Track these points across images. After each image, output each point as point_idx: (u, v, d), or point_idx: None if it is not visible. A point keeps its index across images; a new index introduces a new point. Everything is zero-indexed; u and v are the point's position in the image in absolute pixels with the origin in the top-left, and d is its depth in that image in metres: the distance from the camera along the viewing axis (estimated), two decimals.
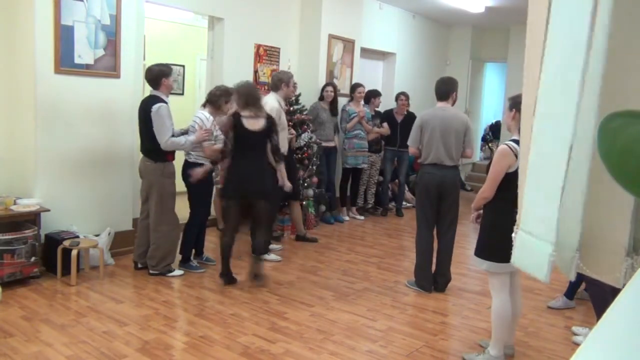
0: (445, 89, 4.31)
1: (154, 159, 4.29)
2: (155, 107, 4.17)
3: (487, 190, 3.08)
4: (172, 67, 4.64)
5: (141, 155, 4.42)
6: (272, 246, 5.27)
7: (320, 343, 3.36)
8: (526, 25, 1.21)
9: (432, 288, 4.39)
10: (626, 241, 1.03)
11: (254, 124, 4.12)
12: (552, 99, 1.04)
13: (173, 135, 4.26)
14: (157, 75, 4.27)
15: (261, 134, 4.15)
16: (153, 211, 4.35)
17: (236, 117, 4.11)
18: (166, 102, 4.28)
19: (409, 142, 4.42)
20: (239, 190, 4.12)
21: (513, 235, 1.24)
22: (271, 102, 4.89)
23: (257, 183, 4.12)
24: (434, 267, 4.44)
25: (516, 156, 2.95)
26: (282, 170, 4.47)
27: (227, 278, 4.27)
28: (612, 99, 0.95)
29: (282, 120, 4.96)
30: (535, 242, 1.10)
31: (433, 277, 4.42)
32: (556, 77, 1.03)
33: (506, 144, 3.00)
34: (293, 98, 6.01)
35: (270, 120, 4.23)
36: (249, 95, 4.15)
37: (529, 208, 1.16)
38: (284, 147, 5.06)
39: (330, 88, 6.48)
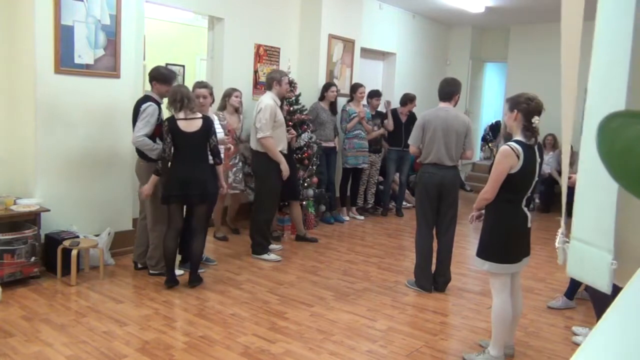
0: (449, 90, 4.31)
1: (147, 159, 4.29)
2: (144, 105, 4.21)
3: (488, 191, 3.07)
4: (171, 67, 4.64)
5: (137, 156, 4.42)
6: (272, 246, 5.27)
7: (320, 343, 3.36)
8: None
9: (432, 288, 4.39)
10: None
11: (189, 126, 4.06)
12: (603, 102, 1.03)
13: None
14: (150, 78, 4.36)
15: (198, 136, 4.08)
16: (149, 211, 4.36)
17: (171, 120, 4.07)
18: (159, 103, 4.30)
19: (410, 141, 4.42)
20: (181, 193, 4.07)
21: (559, 245, 1.21)
22: (266, 99, 4.92)
23: (198, 186, 4.08)
24: (433, 267, 4.44)
25: (518, 157, 2.95)
26: (219, 172, 4.34)
27: (172, 282, 4.18)
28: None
29: (279, 118, 4.98)
30: (595, 251, 1.08)
31: (433, 277, 4.42)
32: (605, 79, 1.02)
33: (508, 145, 2.99)
34: (293, 98, 6.02)
35: (207, 121, 4.15)
36: (179, 97, 4.07)
37: (584, 217, 1.13)
38: (282, 145, 5.06)
39: (334, 88, 6.49)
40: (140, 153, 4.32)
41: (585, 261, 1.13)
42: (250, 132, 5.10)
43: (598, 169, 1.07)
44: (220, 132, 4.65)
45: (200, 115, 4.15)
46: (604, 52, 1.05)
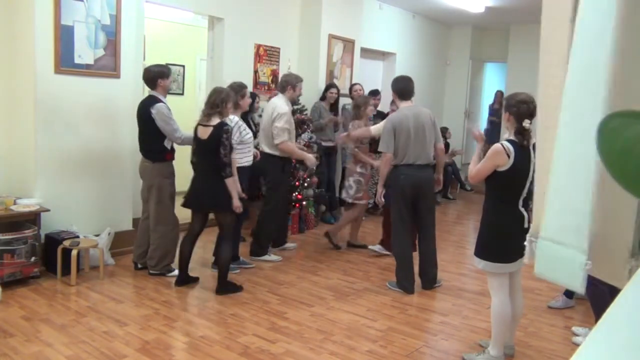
0: (412, 88, 4.37)
1: (153, 159, 4.29)
2: (155, 108, 4.18)
3: (473, 176, 3.13)
4: (171, 67, 4.63)
5: (141, 156, 4.42)
6: (287, 244, 5.31)
7: (320, 343, 3.36)
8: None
9: (414, 289, 4.35)
10: (630, 242, 1.03)
11: (203, 132, 3.95)
12: (579, 103, 1.04)
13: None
14: (154, 77, 4.29)
15: (207, 144, 3.92)
16: (152, 211, 4.36)
17: (197, 125, 4.03)
18: (164, 103, 4.29)
19: (383, 149, 4.27)
20: (187, 200, 4.09)
21: (527, 243, 1.22)
22: (281, 105, 4.87)
23: (196, 195, 4.03)
24: (416, 268, 4.41)
25: (508, 156, 2.97)
26: (230, 186, 3.96)
27: (182, 283, 4.21)
28: (619, 100, 0.94)
29: (291, 124, 4.95)
30: (567, 251, 1.08)
31: (420, 277, 4.41)
32: (582, 81, 1.02)
33: (501, 143, 3.02)
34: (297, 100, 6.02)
35: (218, 130, 3.88)
36: (208, 99, 4.01)
37: (554, 215, 1.13)
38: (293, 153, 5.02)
39: (334, 90, 6.49)
40: (147, 154, 4.32)
41: (557, 262, 1.13)
42: (260, 135, 5.05)
43: (571, 167, 1.08)
44: (248, 134, 4.51)
45: (214, 122, 3.94)
46: (582, 52, 1.05)
